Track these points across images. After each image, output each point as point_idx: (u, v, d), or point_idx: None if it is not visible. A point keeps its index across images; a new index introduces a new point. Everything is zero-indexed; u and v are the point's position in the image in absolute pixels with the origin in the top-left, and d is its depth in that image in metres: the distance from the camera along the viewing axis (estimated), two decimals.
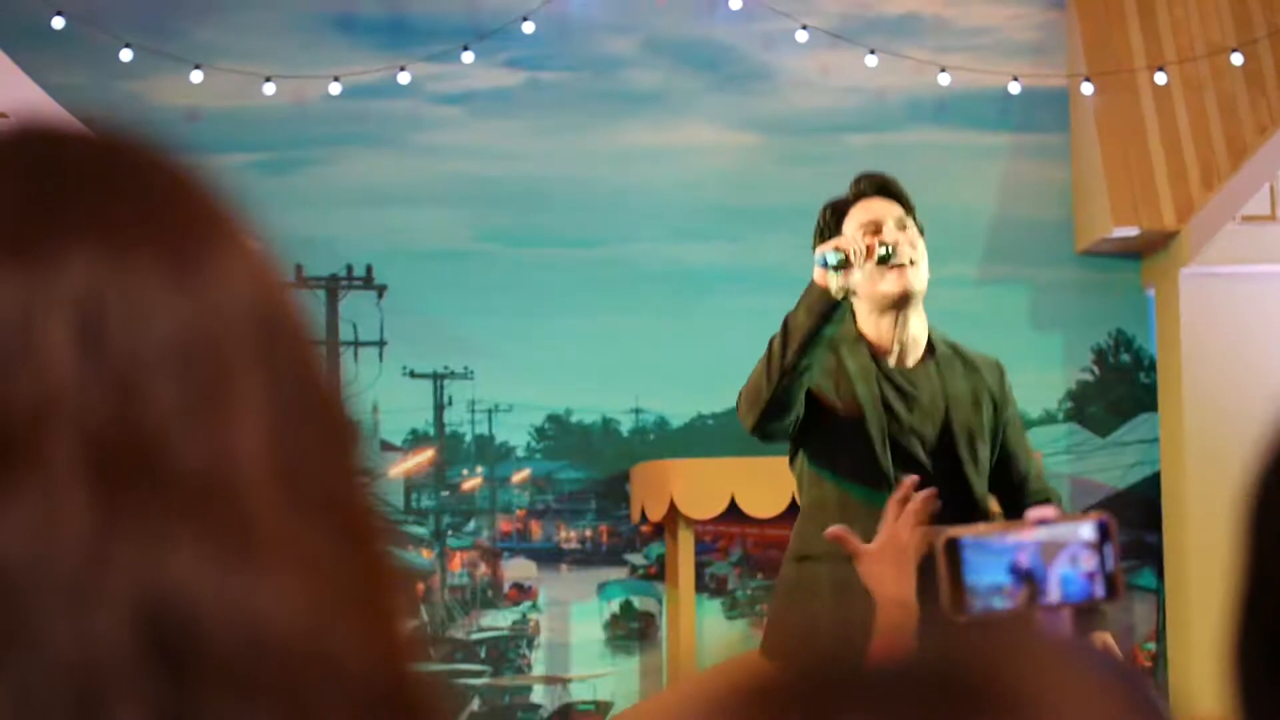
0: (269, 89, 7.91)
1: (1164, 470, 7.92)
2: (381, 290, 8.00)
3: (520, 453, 8.13)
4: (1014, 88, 8.10)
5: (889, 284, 4.33)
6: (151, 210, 0.79)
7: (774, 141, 8.16)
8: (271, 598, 0.74)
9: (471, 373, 8.05)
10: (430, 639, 7.92)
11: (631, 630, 8.03)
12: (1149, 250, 7.96)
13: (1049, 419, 8.12)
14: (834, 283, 4.18)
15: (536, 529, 8.12)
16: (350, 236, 7.97)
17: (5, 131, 0.81)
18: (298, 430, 0.78)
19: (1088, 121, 7.97)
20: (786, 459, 4.47)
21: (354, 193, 7.99)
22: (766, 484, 7.02)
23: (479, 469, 8.11)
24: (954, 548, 1.78)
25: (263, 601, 0.74)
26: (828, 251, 4.20)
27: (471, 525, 8.11)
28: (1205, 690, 6.75)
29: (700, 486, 7.35)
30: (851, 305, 4.37)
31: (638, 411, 8.10)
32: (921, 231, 4.44)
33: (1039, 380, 8.02)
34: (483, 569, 8.09)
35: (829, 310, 4.17)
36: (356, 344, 8.00)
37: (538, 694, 7.99)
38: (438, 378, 8.05)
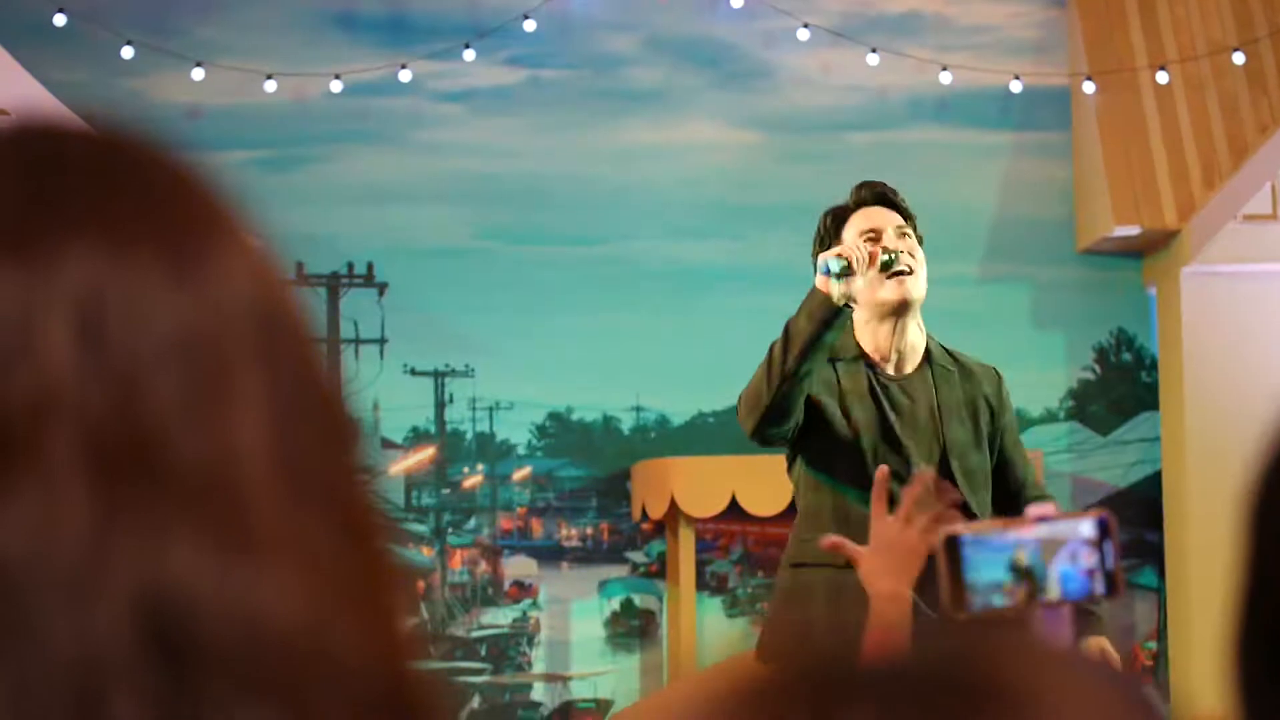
0: (270, 86, 7.91)
1: (1165, 469, 7.92)
2: (382, 288, 8.00)
3: (521, 450, 8.13)
4: (1015, 86, 8.10)
5: (888, 292, 4.34)
6: (152, 207, 0.79)
7: (775, 140, 8.16)
8: (271, 593, 0.74)
9: (472, 370, 8.05)
10: (430, 636, 7.92)
11: (632, 628, 8.03)
12: (1150, 249, 7.96)
13: (1050, 418, 8.13)
14: (836, 290, 4.18)
15: (537, 527, 8.12)
16: (351, 234, 7.97)
17: (6, 128, 0.81)
18: (298, 427, 0.78)
19: (1089, 120, 7.97)
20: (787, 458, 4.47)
21: (355, 190, 8.00)
22: (767, 482, 7.01)
23: (480, 466, 8.12)
24: (954, 545, 1.78)
25: (262, 597, 0.74)
26: (830, 259, 4.21)
27: (472, 523, 8.12)
28: (1206, 689, 6.75)
29: (701, 484, 7.35)
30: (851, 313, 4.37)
31: (639, 409, 8.10)
32: (920, 240, 4.45)
33: (1040, 379, 8.02)
34: (483, 566, 8.09)
35: (831, 317, 4.18)
36: (357, 341, 8.00)
37: (538, 692, 7.99)
38: (439, 375, 8.05)
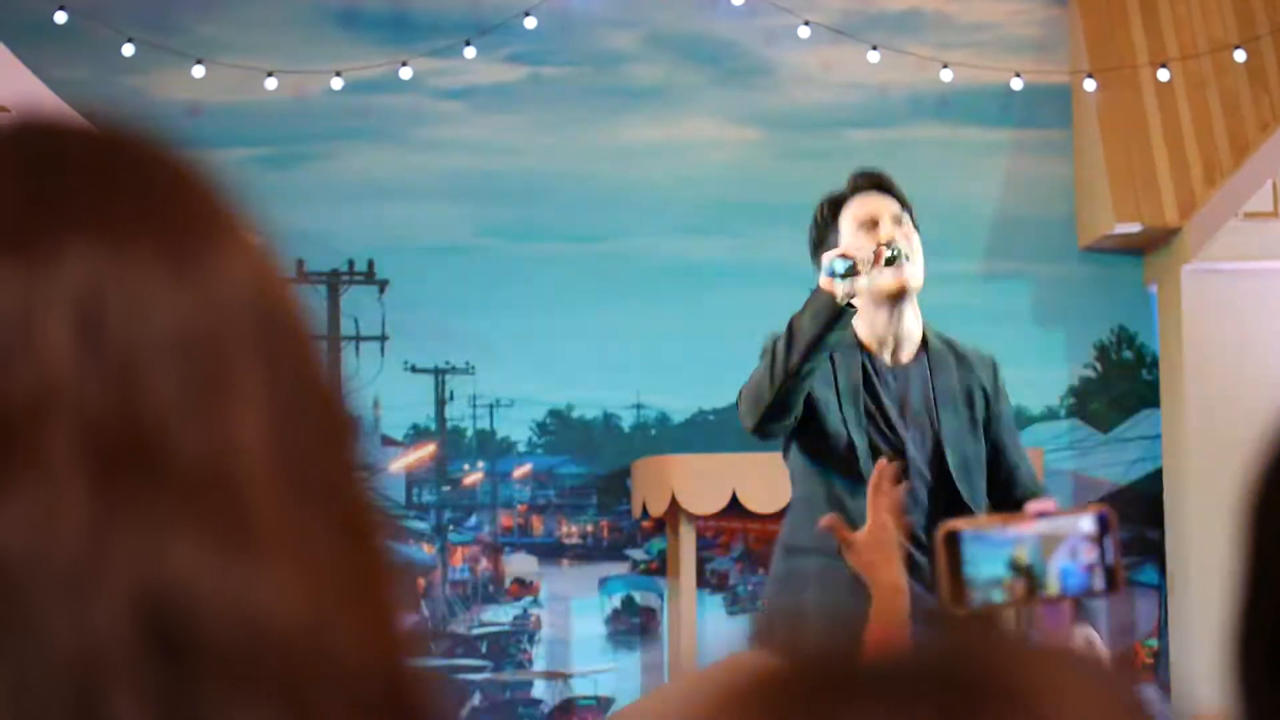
0: (270, 84, 7.91)
1: (1166, 466, 7.92)
2: (383, 285, 8.00)
3: (521, 448, 8.13)
4: (1016, 84, 8.10)
5: (886, 279, 4.34)
6: (152, 205, 0.79)
7: (776, 137, 8.15)
8: (271, 590, 0.74)
9: (473, 368, 8.05)
10: (431, 634, 7.92)
11: (633, 625, 8.03)
12: (1151, 246, 7.96)
13: (1051, 415, 8.13)
14: (841, 290, 4.19)
15: (538, 524, 8.12)
16: (351, 231, 7.97)
17: (6, 126, 0.81)
18: (298, 424, 0.78)
19: (1090, 118, 7.97)
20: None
21: (355, 188, 7.99)
22: (768, 479, 7.00)
23: (480, 464, 8.12)
24: (953, 540, 1.78)
25: (262, 594, 0.74)
26: (835, 259, 4.21)
27: (473, 520, 8.12)
28: (1207, 688, 6.75)
29: (701, 482, 7.35)
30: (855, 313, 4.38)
31: (639, 407, 8.10)
32: (916, 227, 4.45)
33: (1041, 376, 8.02)
34: (484, 564, 8.09)
35: (835, 317, 4.18)
36: (358, 339, 8.00)
37: (539, 689, 7.99)
38: (439, 373, 8.05)
